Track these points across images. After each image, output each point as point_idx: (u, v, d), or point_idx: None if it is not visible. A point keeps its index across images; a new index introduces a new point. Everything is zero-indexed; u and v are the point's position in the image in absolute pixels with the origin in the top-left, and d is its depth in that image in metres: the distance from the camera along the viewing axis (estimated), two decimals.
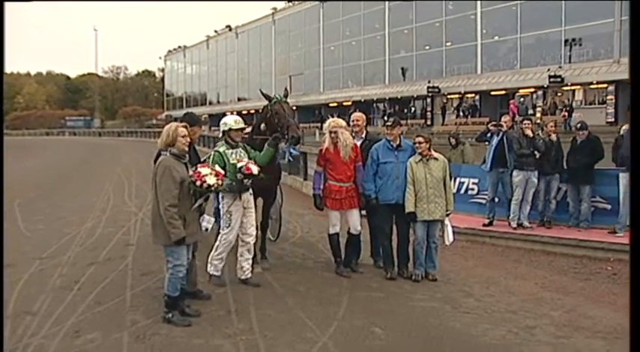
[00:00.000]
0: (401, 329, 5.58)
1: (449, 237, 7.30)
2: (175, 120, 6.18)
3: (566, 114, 30.60)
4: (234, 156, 6.79)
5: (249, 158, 6.90)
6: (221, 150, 6.81)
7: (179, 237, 5.50)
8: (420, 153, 7.24)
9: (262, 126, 7.52)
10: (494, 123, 10.56)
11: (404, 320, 5.87)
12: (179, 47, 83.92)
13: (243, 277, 7.05)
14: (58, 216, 12.16)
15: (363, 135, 7.91)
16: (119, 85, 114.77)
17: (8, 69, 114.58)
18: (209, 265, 7.01)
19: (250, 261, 7.15)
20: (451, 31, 40.56)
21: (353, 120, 7.98)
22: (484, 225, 10.09)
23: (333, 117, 7.85)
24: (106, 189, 16.60)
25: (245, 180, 6.71)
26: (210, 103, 73.19)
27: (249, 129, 7.57)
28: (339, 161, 7.30)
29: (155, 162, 5.98)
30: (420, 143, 7.23)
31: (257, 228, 7.28)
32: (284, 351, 4.98)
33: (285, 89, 7.75)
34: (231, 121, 6.94)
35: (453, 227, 7.47)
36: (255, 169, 6.70)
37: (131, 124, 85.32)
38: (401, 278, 7.29)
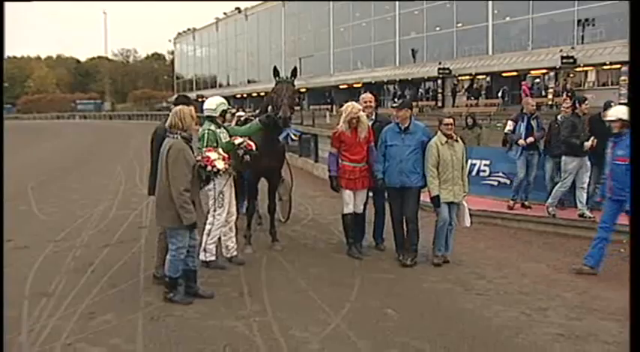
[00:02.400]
0: (413, 311, 5.61)
1: (466, 218, 7.30)
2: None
3: (568, 98, 30.22)
4: (222, 135, 6.83)
5: (230, 136, 6.95)
6: (212, 128, 6.80)
7: (191, 221, 5.53)
8: (445, 135, 7.16)
9: (269, 108, 7.53)
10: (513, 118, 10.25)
11: (416, 301, 5.90)
12: (188, 30, 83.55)
13: (228, 255, 7.15)
14: (71, 198, 12.23)
15: (373, 117, 7.90)
16: (129, 68, 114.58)
17: (19, 53, 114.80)
18: (202, 253, 6.88)
19: (234, 240, 7.22)
20: (462, 12, 40.05)
21: (363, 101, 7.94)
22: (509, 207, 9.90)
23: (347, 102, 7.79)
24: (117, 171, 16.66)
25: (245, 156, 6.77)
26: (220, 86, 72.95)
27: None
28: (354, 143, 7.29)
29: (153, 141, 6.01)
30: (448, 124, 7.18)
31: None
32: (297, 333, 5.01)
33: (294, 68, 7.75)
34: (225, 102, 7.05)
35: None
36: (253, 145, 6.82)
37: (141, 107, 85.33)
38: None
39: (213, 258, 6.99)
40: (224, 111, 6.94)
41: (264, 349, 4.68)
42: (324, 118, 39.91)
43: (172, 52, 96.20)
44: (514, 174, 10.58)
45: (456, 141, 7.25)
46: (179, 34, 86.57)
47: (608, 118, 6.96)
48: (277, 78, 7.49)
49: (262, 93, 51.13)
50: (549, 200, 9.34)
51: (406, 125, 7.22)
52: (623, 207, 6.71)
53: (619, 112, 6.81)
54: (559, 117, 9.90)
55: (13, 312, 5.44)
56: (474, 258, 7.56)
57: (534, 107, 10.24)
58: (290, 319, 5.33)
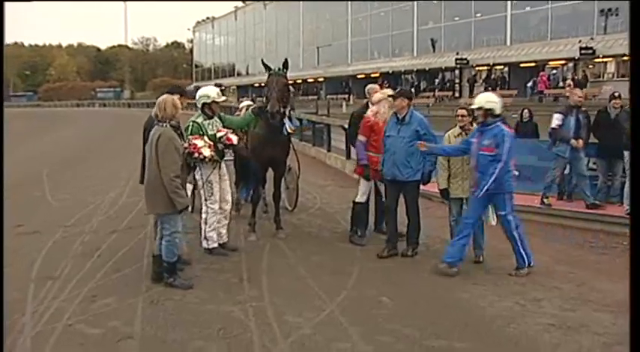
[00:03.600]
0: (408, 299, 5.69)
1: (493, 216, 6.79)
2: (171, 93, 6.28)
3: (577, 88, 29.76)
4: (210, 126, 6.89)
5: (224, 126, 7.03)
6: (199, 120, 6.89)
7: (184, 206, 5.70)
8: (460, 127, 7.01)
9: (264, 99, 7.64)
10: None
11: (413, 290, 5.98)
12: (207, 18, 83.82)
13: (220, 242, 7.24)
14: (84, 185, 12.45)
15: None
16: (149, 57, 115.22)
17: (40, 41, 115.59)
18: (204, 241, 7.08)
19: (226, 227, 7.35)
20: (481, 2, 39.77)
21: (368, 92, 8.00)
22: (542, 203, 9.63)
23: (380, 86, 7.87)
24: (131, 159, 16.81)
25: (225, 150, 6.89)
26: (239, 74, 73.17)
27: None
28: (381, 132, 7.26)
29: (145, 130, 6.13)
30: (462, 116, 6.99)
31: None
32: (291, 318, 5.12)
33: (285, 60, 7.72)
34: (213, 93, 7.05)
35: None
36: (234, 139, 6.87)
37: (160, 95, 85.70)
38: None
39: (215, 245, 7.11)
40: (205, 104, 6.96)
41: (256, 333, 4.79)
42: (340, 108, 39.92)
43: (192, 41, 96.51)
44: (523, 165, 10.57)
45: None
46: (198, 22, 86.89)
47: (473, 106, 6.58)
48: (269, 71, 7.51)
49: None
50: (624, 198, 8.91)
51: (403, 115, 7.03)
52: (492, 200, 6.54)
53: (482, 100, 6.53)
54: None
55: (19, 295, 5.66)
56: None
57: (582, 98, 9.73)
58: (286, 305, 5.43)
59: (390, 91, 7.65)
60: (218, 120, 7.07)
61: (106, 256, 6.92)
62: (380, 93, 7.67)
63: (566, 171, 9.71)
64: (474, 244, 7.07)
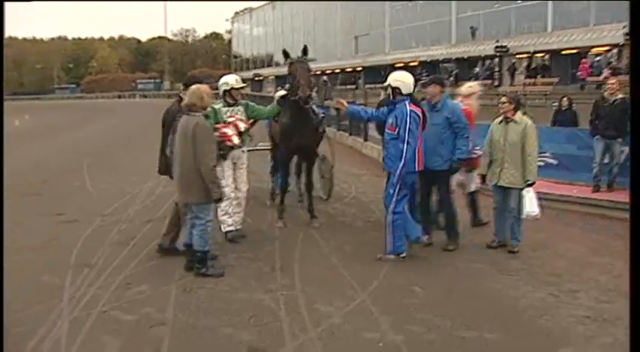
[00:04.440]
0: (440, 289, 5.65)
1: (525, 208, 6.77)
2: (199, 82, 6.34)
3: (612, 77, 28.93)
4: (228, 113, 6.95)
5: (252, 117, 7.18)
6: (216, 107, 6.94)
7: (221, 195, 5.74)
8: (503, 114, 6.92)
9: (287, 86, 7.65)
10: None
11: (445, 280, 5.94)
12: (245, 9, 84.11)
13: (229, 229, 7.32)
14: (122, 175, 12.69)
15: None
16: (188, 48, 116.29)
17: (83, 34, 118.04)
18: (222, 225, 7.23)
19: (241, 215, 7.45)
20: None
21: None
22: (593, 191, 9.50)
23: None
24: None
25: (222, 152, 6.70)
26: (277, 65, 73.13)
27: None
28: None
29: (165, 121, 6.22)
30: (502, 103, 6.94)
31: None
32: (322, 306, 5.14)
33: (305, 47, 7.69)
34: (232, 80, 7.19)
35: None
36: (236, 140, 6.78)
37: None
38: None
39: (231, 228, 7.25)
40: (225, 91, 7.07)
41: (287, 321, 4.83)
42: (378, 97, 39.72)
43: (230, 32, 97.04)
44: (561, 154, 10.40)
45: (516, 122, 6.81)
46: (236, 13, 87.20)
47: (386, 84, 6.59)
48: (289, 59, 7.53)
49: (318, 72, 51.24)
50: None
51: (434, 102, 6.89)
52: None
53: (390, 79, 6.54)
54: (605, 95, 9.63)
55: (57, 281, 5.83)
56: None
57: (615, 89, 9.62)
58: (317, 294, 5.45)
59: (476, 85, 7.76)
60: (242, 108, 7.12)
61: (141, 245, 7.04)
62: (469, 87, 7.78)
63: (606, 161, 9.51)
64: (509, 234, 6.97)
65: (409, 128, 6.29)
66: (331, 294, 5.44)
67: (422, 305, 5.20)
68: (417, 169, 6.49)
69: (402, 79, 6.50)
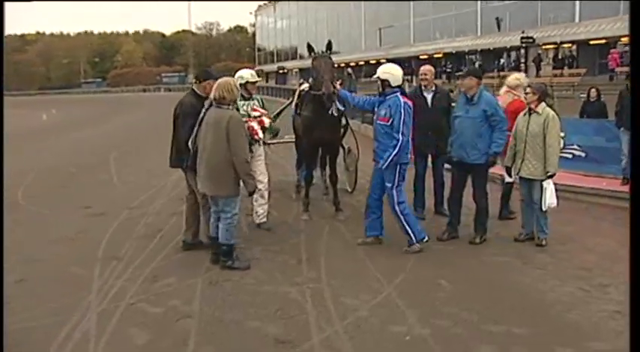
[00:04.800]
0: (467, 282, 5.60)
1: (545, 201, 6.66)
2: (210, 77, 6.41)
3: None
4: (244, 107, 6.99)
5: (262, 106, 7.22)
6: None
7: (254, 188, 5.83)
8: (528, 105, 6.85)
9: (310, 80, 7.67)
10: None
11: (472, 273, 5.88)
12: (269, 2, 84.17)
13: (257, 221, 7.45)
14: (148, 168, 12.77)
15: (433, 88, 7.90)
16: (212, 41, 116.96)
17: (109, 29, 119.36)
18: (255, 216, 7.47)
19: (265, 207, 7.50)
20: None
21: (421, 74, 7.90)
22: (622, 184, 9.34)
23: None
24: None
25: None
26: (301, 57, 73.09)
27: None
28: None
29: (178, 114, 6.32)
30: (526, 94, 6.90)
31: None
32: (348, 300, 5.12)
33: (329, 42, 7.65)
34: (247, 75, 7.24)
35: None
36: (261, 134, 6.95)
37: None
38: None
39: (264, 220, 7.47)
40: (240, 85, 6.97)
41: (313, 314, 4.82)
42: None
43: (254, 25, 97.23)
44: (589, 146, 10.24)
45: (538, 113, 6.71)
46: (260, 6, 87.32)
47: (375, 76, 6.62)
48: (312, 53, 7.50)
49: (342, 65, 51.03)
50: None
51: (472, 95, 6.82)
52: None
53: (379, 71, 6.59)
54: (629, 85, 9.47)
55: (86, 273, 5.90)
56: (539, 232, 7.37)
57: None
58: (343, 287, 5.44)
59: (524, 77, 7.78)
60: (256, 102, 7.21)
61: (167, 238, 7.09)
62: (516, 79, 7.79)
63: None
64: (536, 227, 6.89)
65: (403, 119, 6.35)
66: (357, 287, 5.42)
67: (448, 299, 5.15)
68: (409, 160, 6.63)
69: (390, 71, 6.55)
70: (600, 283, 5.54)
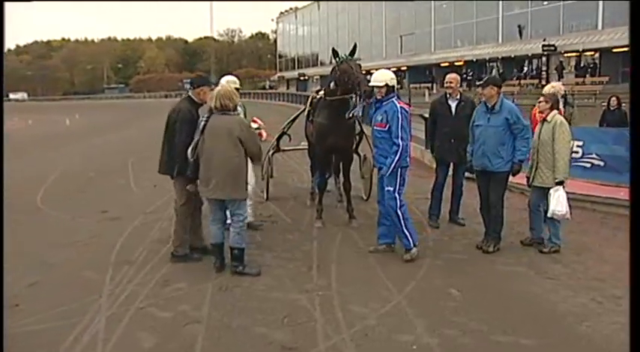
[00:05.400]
0: (478, 292, 5.55)
1: (550, 207, 6.63)
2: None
3: None
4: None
5: (245, 115, 7.27)
6: None
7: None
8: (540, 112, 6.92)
9: (332, 84, 7.56)
10: None
11: (483, 283, 5.83)
12: (290, 9, 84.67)
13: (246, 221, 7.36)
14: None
15: (458, 97, 7.88)
16: (234, 48, 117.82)
17: (132, 35, 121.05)
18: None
19: (252, 206, 7.66)
20: None
21: (447, 82, 7.90)
22: None
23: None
24: None
25: None
26: (322, 64, 73.32)
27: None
28: None
29: (174, 120, 6.34)
30: (539, 103, 6.99)
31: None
32: (356, 307, 5.10)
33: (354, 46, 7.66)
34: (224, 82, 7.36)
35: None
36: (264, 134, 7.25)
37: (245, 86, 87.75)
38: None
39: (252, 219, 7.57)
40: None
41: (321, 322, 4.81)
42: (423, 97, 39.41)
43: (275, 32, 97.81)
44: (608, 155, 10.11)
45: (548, 121, 6.77)
46: (281, 13, 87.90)
47: (374, 83, 6.56)
48: (337, 58, 7.44)
49: (363, 71, 50.86)
50: None
51: (492, 104, 6.79)
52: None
53: (386, 78, 6.57)
54: None
55: (98, 277, 5.95)
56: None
57: None
58: (352, 294, 5.42)
59: (559, 85, 7.66)
60: (240, 109, 7.18)
61: None
62: (552, 87, 8.02)
63: None
64: (546, 235, 6.95)
65: (401, 124, 6.40)
66: (367, 295, 5.40)
67: (458, 308, 5.11)
68: (409, 163, 6.67)
69: (394, 77, 6.67)
70: (613, 294, 5.44)
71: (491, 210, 6.94)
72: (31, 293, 5.57)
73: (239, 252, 5.98)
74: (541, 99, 6.94)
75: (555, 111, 6.83)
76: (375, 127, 6.63)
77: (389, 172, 6.42)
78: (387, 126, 6.43)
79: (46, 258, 6.67)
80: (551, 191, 6.67)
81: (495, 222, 6.93)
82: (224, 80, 7.62)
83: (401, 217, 6.51)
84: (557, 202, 6.60)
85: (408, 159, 6.58)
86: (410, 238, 6.51)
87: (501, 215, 6.94)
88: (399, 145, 6.37)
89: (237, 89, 7.25)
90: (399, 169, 6.50)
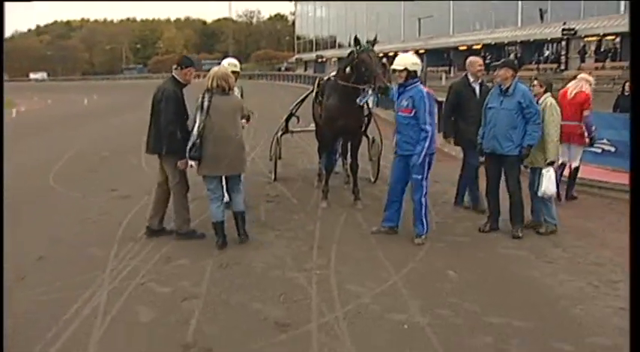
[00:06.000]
0: (476, 274, 5.59)
1: (541, 187, 6.74)
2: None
3: None
4: None
5: (242, 95, 7.56)
6: None
7: None
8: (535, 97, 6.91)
9: (347, 69, 7.53)
10: None
11: (482, 266, 5.86)
12: None
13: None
14: None
15: (480, 80, 7.88)
16: (252, 29, 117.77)
17: (150, 16, 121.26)
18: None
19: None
20: None
21: (479, 65, 7.90)
22: None
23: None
24: None
25: None
26: (340, 46, 73.02)
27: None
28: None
29: (160, 100, 6.46)
30: (532, 86, 7.00)
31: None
32: (352, 287, 5.18)
33: (375, 37, 7.67)
34: (226, 64, 7.55)
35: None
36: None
37: (263, 67, 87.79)
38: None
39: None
40: None
41: (316, 300, 4.90)
42: (440, 80, 39.15)
43: (294, 13, 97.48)
44: (619, 141, 10.04)
45: (538, 104, 6.84)
46: None
47: (394, 67, 6.50)
48: (358, 47, 7.32)
49: (380, 54, 50.58)
50: None
51: (507, 86, 6.75)
52: (410, 163, 6.47)
53: (407, 62, 6.49)
54: None
55: (103, 253, 6.10)
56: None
57: None
58: (350, 274, 5.50)
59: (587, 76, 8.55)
60: (237, 90, 7.34)
61: None
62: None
63: None
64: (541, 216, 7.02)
65: (429, 110, 6.37)
66: (364, 275, 5.47)
67: (454, 290, 5.17)
68: (434, 150, 6.64)
69: (417, 62, 6.58)
70: (610, 279, 5.47)
71: (511, 197, 6.92)
72: (37, 266, 5.74)
73: (244, 215, 6.51)
74: (535, 83, 7.00)
75: (548, 94, 6.90)
76: (399, 113, 6.55)
77: (419, 161, 6.36)
78: (413, 111, 6.36)
79: (55, 235, 6.83)
80: (543, 171, 6.75)
81: (516, 207, 6.91)
82: (225, 62, 7.76)
83: (423, 205, 6.52)
84: (548, 182, 6.70)
85: (434, 145, 6.54)
86: (425, 226, 6.53)
87: (520, 198, 6.93)
88: (427, 131, 6.32)
89: (236, 72, 7.40)
90: (428, 156, 6.46)
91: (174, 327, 4.40)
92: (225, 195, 6.62)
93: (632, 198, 3.43)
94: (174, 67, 6.72)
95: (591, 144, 8.88)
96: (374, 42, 7.50)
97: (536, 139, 6.76)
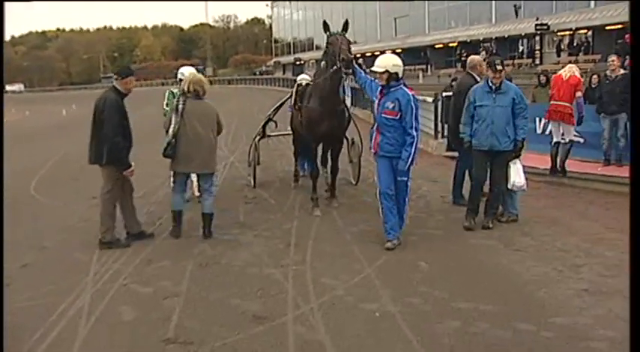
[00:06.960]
0: (447, 264, 5.83)
1: (510, 179, 6.97)
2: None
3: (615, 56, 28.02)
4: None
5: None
6: (174, 90, 8.07)
7: None
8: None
9: (322, 63, 7.59)
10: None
11: (452, 256, 6.10)
12: None
13: (197, 194, 8.14)
14: (156, 160, 12.76)
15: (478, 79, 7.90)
16: (230, 34, 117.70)
17: (127, 24, 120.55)
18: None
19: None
20: None
21: (480, 65, 7.97)
22: (603, 166, 9.92)
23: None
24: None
25: None
26: (318, 48, 73.08)
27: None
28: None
29: (102, 110, 6.63)
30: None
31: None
32: (327, 280, 5.39)
33: (346, 22, 7.43)
34: (187, 72, 7.80)
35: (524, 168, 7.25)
36: None
37: (241, 72, 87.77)
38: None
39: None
40: (180, 79, 7.80)
41: (292, 293, 5.10)
42: (417, 79, 39.46)
43: (271, 17, 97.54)
44: (587, 132, 10.35)
45: None
46: None
47: (374, 69, 6.29)
48: (328, 32, 7.38)
49: (357, 55, 50.91)
50: None
51: (499, 84, 6.88)
52: (394, 166, 6.33)
53: (388, 63, 6.26)
54: (608, 73, 10.11)
55: (86, 258, 6.26)
56: (527, 216, 7.44)
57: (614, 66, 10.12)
58: (325, 268, 5.72)
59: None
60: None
61: (165, 225, 7.38)
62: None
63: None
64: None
65: (415, 114, 6.28)
66: (339, 269, 5.69)
67: (425, 279, 5.39)
68: (419, 151, 6.79)
69: (399, 63, 6.37)
70: (575, 263, 5.73)
71: (494, 188, 7.12)
72: (22, 273, 5.88)
73: (211, 217, 6.91)
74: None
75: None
76: (383, 114, 6.31)
77: (406, 166, 6.32)
78: (399, 115, 6.22)
79: (39, 242, 6.98)
80: (510, 164, 6.97)
81: (496, 198, 7.16)
82: (186, 70, 8.16)
83: (407, 204, 6.66)
84: (516, 174, 6.95)
85: (419, 146, 6.62)
86: (402, 225, 6.64)
87: (503, 193, 7.15)
88: (414, 136, 6.24)
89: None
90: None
91: (156, 324, 4.58)
92: (196, 191, 7.40)
93: (633, 198, 3.55)
94: (114, 77, 6.90)
95: (579, 124, 9.45)
96: (345, 27, 7.36)
97: (526, 132, 7.03)
